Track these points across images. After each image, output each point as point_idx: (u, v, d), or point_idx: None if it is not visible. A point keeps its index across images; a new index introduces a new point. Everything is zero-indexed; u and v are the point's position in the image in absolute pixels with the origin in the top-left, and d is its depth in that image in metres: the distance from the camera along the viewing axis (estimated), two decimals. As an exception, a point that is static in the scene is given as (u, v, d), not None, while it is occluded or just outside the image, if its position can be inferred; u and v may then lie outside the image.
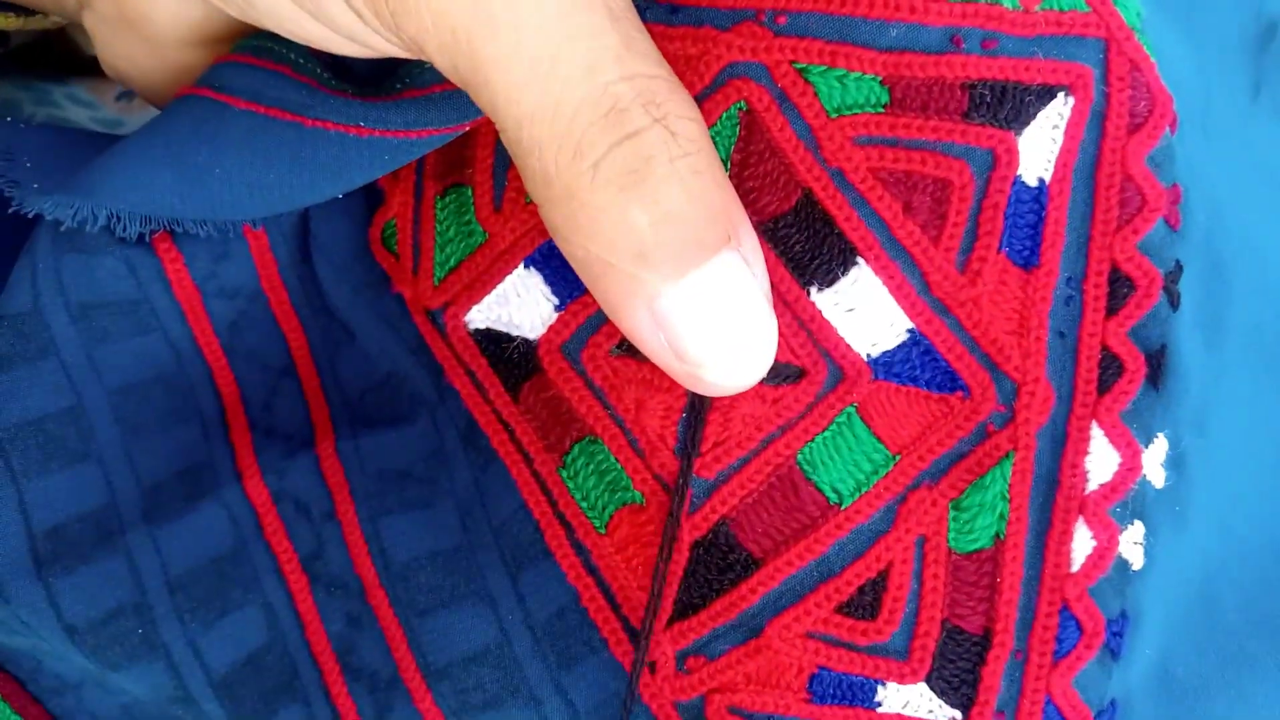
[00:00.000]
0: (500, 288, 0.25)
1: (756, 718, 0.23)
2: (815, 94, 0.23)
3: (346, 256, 0.27)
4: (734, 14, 0.23)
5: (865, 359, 0.23)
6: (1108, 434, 0.23)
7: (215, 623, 0.26)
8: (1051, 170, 0.23)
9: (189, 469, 0.27)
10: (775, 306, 0.22)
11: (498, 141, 0.25)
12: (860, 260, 0.23)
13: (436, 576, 0.26)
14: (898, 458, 0.23)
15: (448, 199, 0.26)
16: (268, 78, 0.25)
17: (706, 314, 0.20)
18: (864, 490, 0.23)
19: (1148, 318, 0.23)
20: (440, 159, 0.26)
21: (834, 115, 0.23)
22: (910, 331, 0.23)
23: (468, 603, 0.26)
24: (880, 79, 0.23)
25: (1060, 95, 0.23)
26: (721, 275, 0.20)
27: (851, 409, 0.23)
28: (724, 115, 0.23)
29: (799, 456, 0.23)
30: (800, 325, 0.23)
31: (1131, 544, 0.23)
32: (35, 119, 0.39)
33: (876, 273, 0.23)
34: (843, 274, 0.23)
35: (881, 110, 0.23)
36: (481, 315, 0.26)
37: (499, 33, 0.19)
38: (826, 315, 0.23)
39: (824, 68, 0.23)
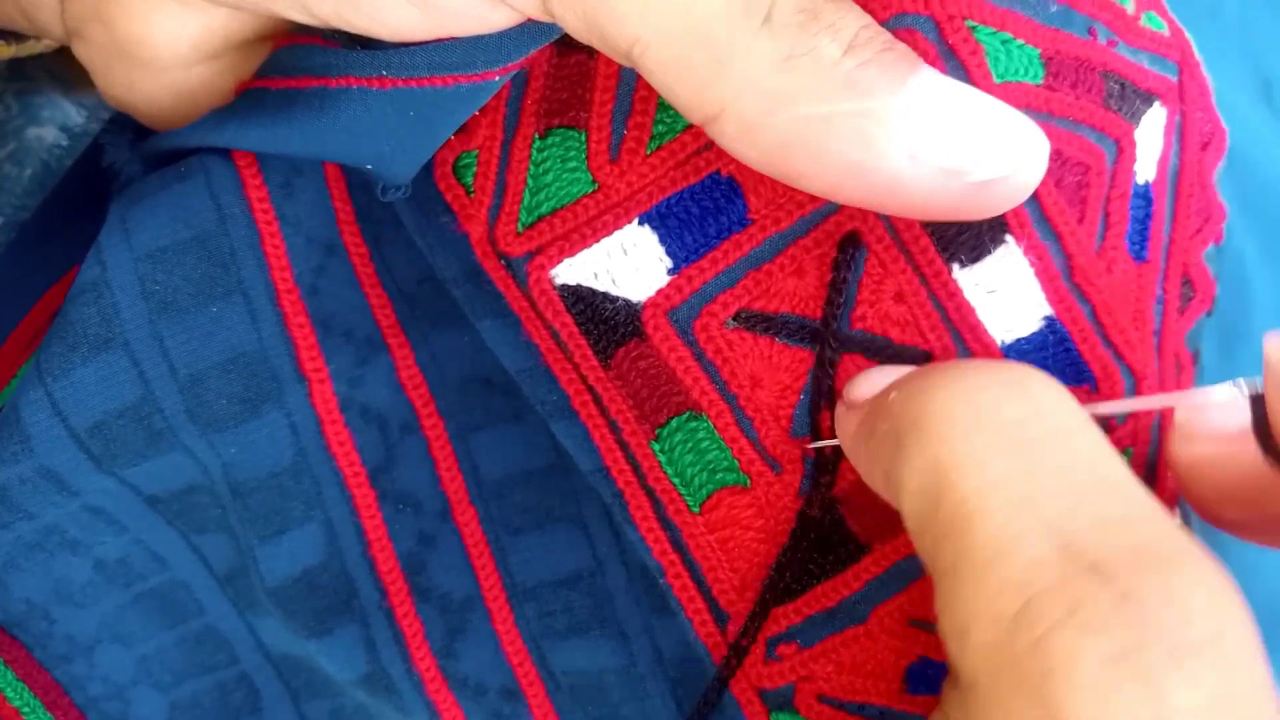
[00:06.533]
0: (605, 243, 0.23)
1: (848, 707, 0.23)
2: (985, 55, 0.22)
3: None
4: None
5: (999, 345, 0.22)
6: None
7: (273, 538, 0.25)
8: (1155, 172, 0.24)
9: (237, 359, 0.25)
10: (911, 282, 0.22)
11: (619, 85, 0.23)
12: (1010, 239, 0.22)
13: (531, 495, 0.25)
14: None
15: (550, 141, 0.24)
16: (297, 51, 0.24)
17: (949, 114, 0.19)
18: None
19: (1199, 323, 0.24)
20: (546, 96, 0.24)
21: (999, 81, 0.22)
22: (1047, 319, 0.22)
23: (562, 525, 0.25)
24: (1040, 53, 0.22)
25: (1155, 103, 0.24)
26: (936, 79, 0.20)
27: None
28: None
29: None
30: (935, 305, 0.22)
31: None
32: (6, 93, 0.37)
33: (1026, 253, 0.22)
34: (990, 251, 0.22)
35: (1039, 84, 0.22)
36: (574, 270, 0.24)
37: None
38: (967, 295, 0.22)
39: (993, 30, 0.22)
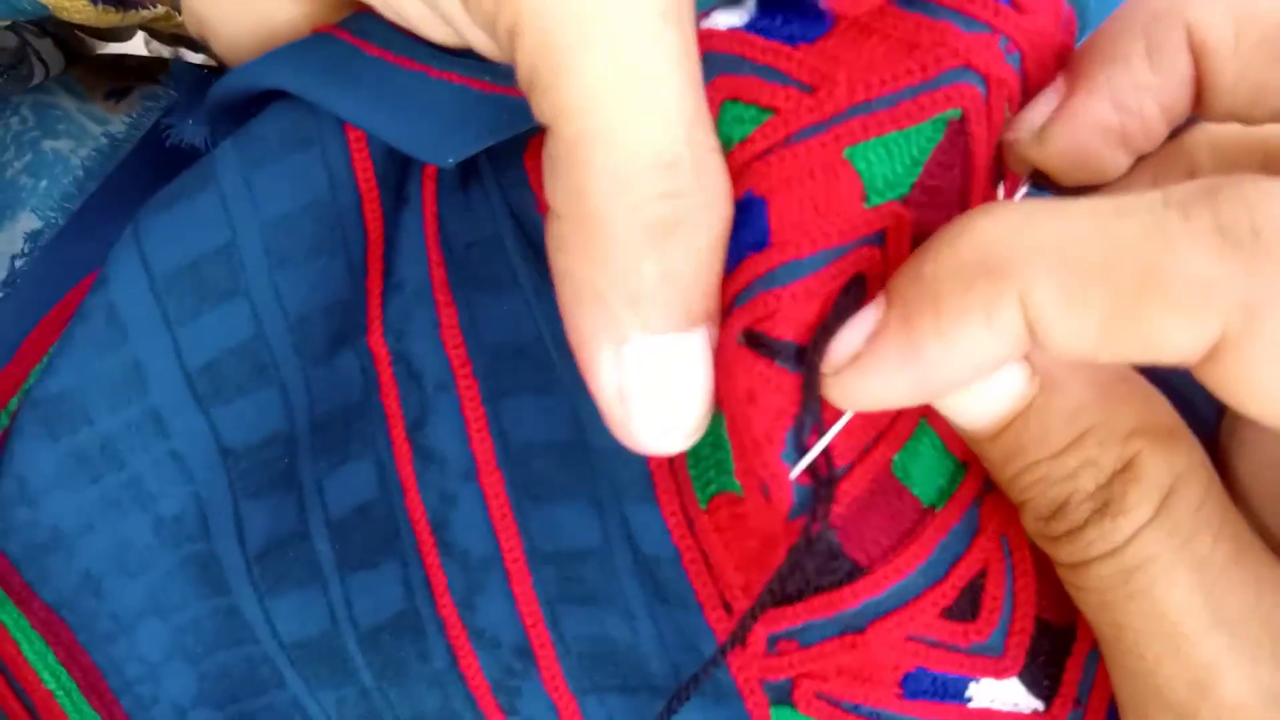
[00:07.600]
0: None
1: (845, 705, 0.24)
2: (1005, 130, 0.22)
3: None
4: (971, 22, 0.21)
5: None
6: None
7: (338, 468, 0.27)
8: None
9: (335, 305, 0.27)
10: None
11: None
12: None
13: (550, 466, 0.26)
14: (966, 465, 0.24)
15: None
16: (397, 32, 0.25)
17: (664, 374, 0.21)
18: (949, 496, 0.23)
19: None
20: None
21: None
22: None
23: (578, 501, 0.26)
24: None
25: None
26: (690, 348, 0.21)
27: (924, 420, 0.23)
28: (935, 117, 0.21)
29: (894, 463, 0.23)
30: None
31: None
32: (24, 104, 0.38)
33: None
34: None
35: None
36: None
37: (593, 48, 0.20)
38: None
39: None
